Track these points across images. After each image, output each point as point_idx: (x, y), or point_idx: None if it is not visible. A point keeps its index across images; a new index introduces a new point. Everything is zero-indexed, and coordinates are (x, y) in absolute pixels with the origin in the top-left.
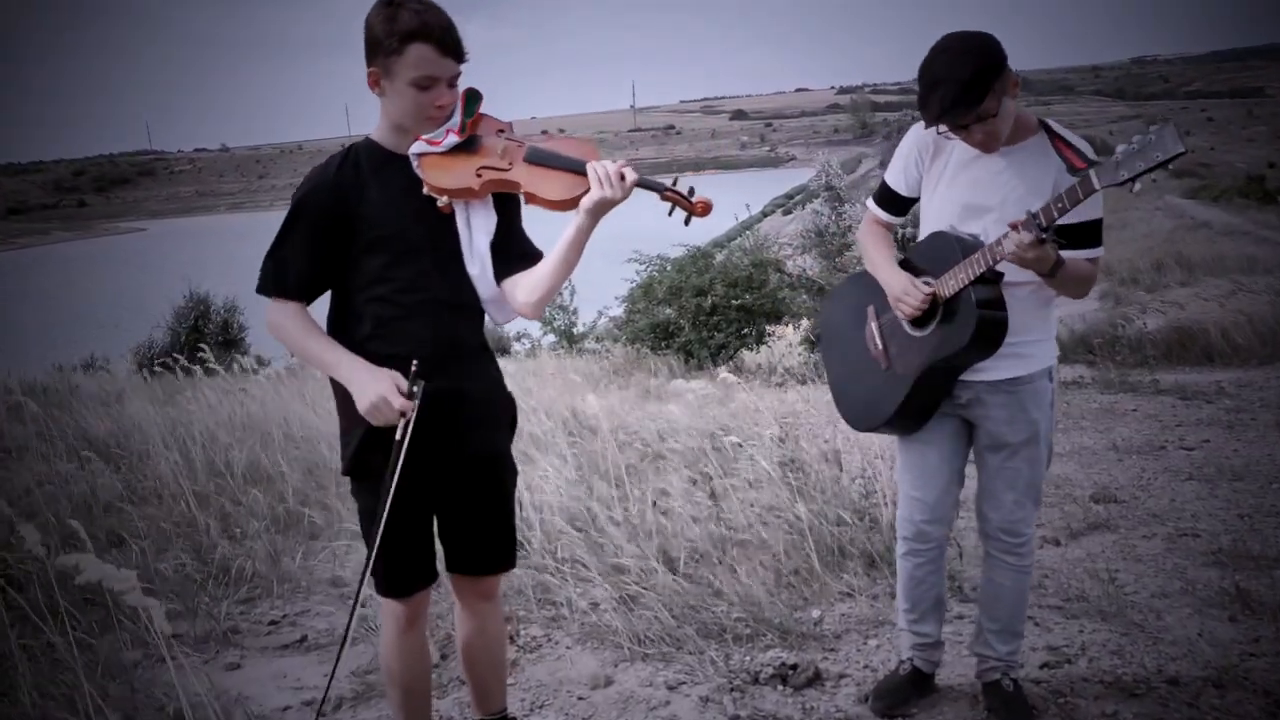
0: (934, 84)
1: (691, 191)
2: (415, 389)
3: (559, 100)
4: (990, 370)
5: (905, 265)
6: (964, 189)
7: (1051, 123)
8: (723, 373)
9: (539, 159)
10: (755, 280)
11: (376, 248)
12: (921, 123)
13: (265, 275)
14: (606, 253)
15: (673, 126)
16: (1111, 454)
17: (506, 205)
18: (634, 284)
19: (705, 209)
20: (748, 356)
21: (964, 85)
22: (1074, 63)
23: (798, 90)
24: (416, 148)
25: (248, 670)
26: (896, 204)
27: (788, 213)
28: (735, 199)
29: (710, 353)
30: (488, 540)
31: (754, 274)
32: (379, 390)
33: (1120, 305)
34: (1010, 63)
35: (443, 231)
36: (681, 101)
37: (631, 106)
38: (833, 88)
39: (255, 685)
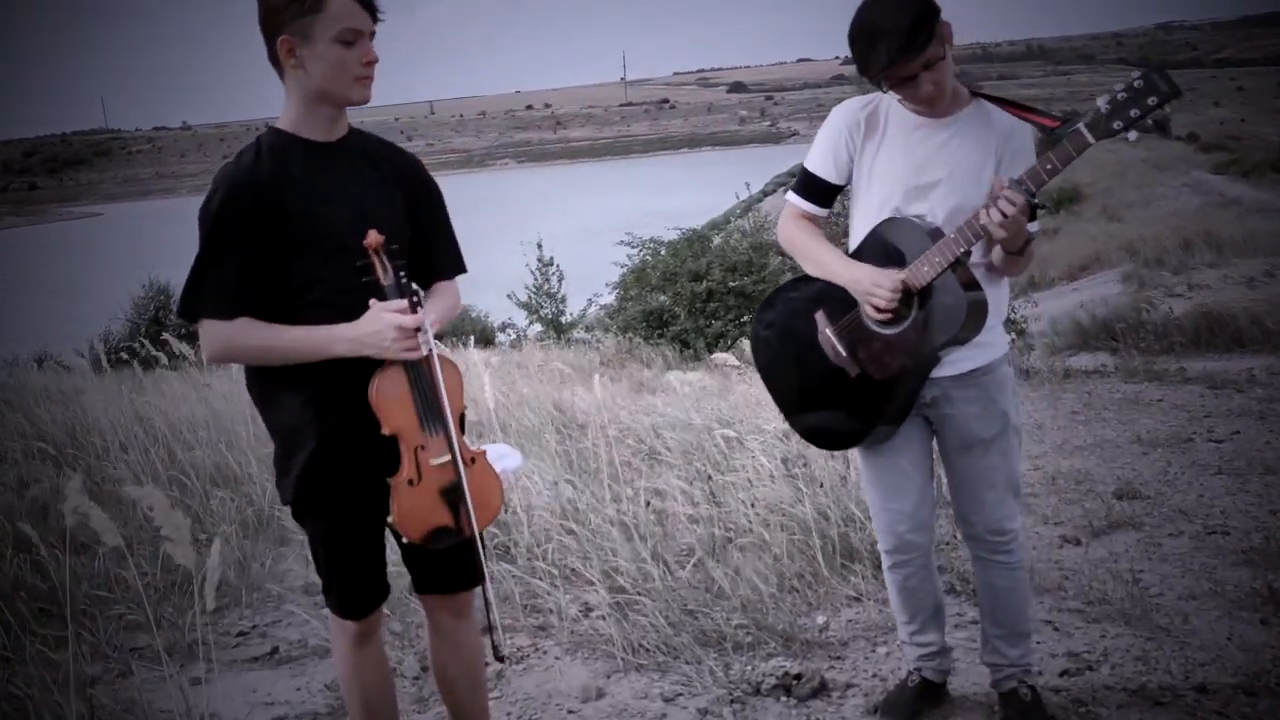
0: (874, 36)
1: None
2: (417, 299)
3: (544, 73)
4: (955, 363)
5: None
6: (905, 165)
7: (984, 90)
8: (721, 356)
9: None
10: (755, 264)
11: (311, 246)
12: (847, 102)
13: (196, 298)
14: (597, 236)
15: (667, 100)
16: (1135, 447)
17: (429, 200)
18: (626, 269)
19: None
20: (747, 346)
21: (909, 30)
22: (1095, 30)
23: (800, 60)
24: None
25: (215, 684)
26: (822, 193)
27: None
28: (734, 178)
29: (707, 342)
30: (458, 551)
31: (754, 257)
32: (384, 323)
33: (1145, 288)
34: (1028, 31)
35: (378, 218)
36: (676, 73)
37: (622, 79)
38: (837, 58)
39: (223, 700)
